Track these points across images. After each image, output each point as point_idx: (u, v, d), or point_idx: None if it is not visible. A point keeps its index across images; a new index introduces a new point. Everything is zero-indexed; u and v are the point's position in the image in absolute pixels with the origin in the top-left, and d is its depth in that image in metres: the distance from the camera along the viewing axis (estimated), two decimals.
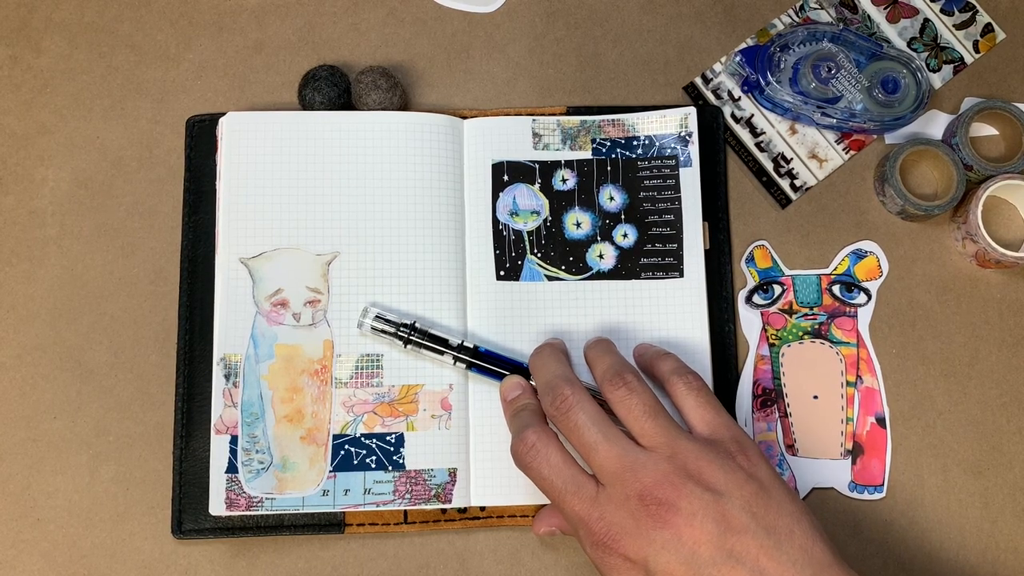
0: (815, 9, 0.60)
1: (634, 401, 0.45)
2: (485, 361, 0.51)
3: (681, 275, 0.55)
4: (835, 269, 0.56)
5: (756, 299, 0.56)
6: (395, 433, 0.52)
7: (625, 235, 0.55)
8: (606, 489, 0.43)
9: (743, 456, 0.44)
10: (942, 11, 0.60)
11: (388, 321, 0.51)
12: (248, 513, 0.51)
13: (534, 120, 0.57)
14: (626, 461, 0.43)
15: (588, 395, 0.46)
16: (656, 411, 0.45)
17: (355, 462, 0.51)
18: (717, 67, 0.59)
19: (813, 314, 0.56)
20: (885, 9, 0.60)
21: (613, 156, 0.56)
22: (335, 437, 0.52)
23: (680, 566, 0.41)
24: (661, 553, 0.41)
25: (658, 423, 0.44)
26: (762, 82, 0.57)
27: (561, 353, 0.51)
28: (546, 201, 0.56)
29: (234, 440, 0.51)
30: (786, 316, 0.56)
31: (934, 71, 0.59)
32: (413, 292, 0.53)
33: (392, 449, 0.52)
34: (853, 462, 0.54)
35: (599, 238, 0.55)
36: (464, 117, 0.57)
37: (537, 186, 0.56)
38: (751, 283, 0.56)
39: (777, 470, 0.47)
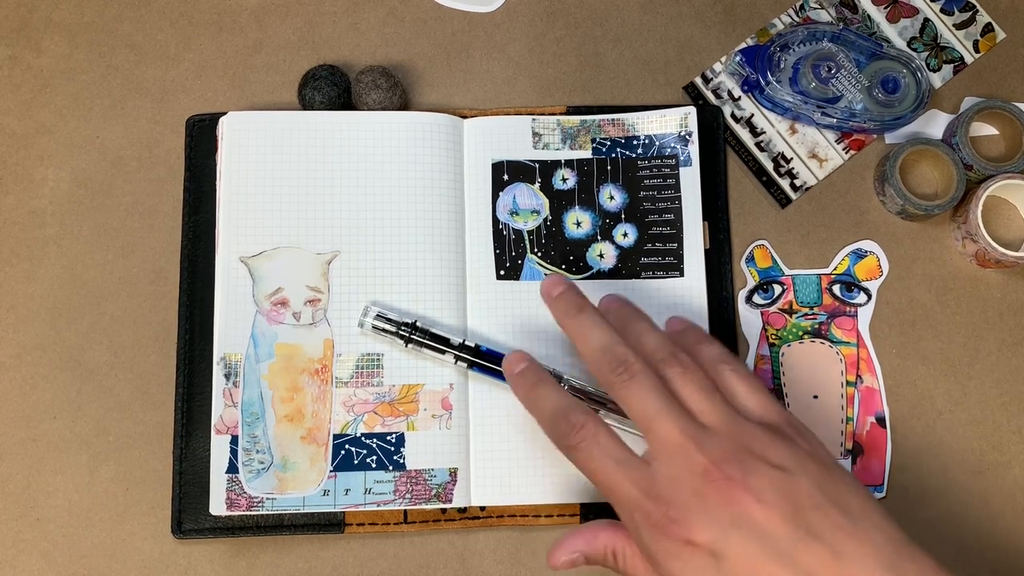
0: (815, 9, 0.60)
1: (690, 377, 0.43)
2: (487, 360, 0.51)
3: (681, 275, 0.55)
4: (835, 269, 0.56)
5: (756, 299, 0.56)
6: (395, 433, 0.52)
7: (625, 234, 0.55)
8: (664, 466, 0.40)
9: (802, 439, 0.42)
10: (942, 11, 0.60)
11: (389, 320, 0.51)
12: (248, 513, 0.51)
13: (534, 120, 0.57)
14: (689, 433, 0.40)
15: (651, 368, 0.43)
16: (714, 390, 0.43)
17: (356, 462, 0.51)
18: (717, 67, 0.59)
19: (813, 314, 0.56)
20: (885, 9, 0.60)
21: (613, 155, 0.56)
22: (335, 437, 0.52)
23: (754, 545, 0.38)
24: (732, 533, 0.38)
25: (716, 401, 0.42)
26: (762, 82, 0.57)
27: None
28: (546, 200, 0.56)
29: (234, 440, 0.51)
30: (786, 316, 0.56)
31: (934, 71, 0.59)
32: (413, 291, 0.53)
33: (392, 449, 0.52)
34: (853, 462, 0.54)
35: (599, 237, 0.55)
36: (464, 117, 0.57)
37: (537, 185, 0.56)
38: (751, 283, 0.56)
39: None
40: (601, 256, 0.55)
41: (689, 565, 0.38)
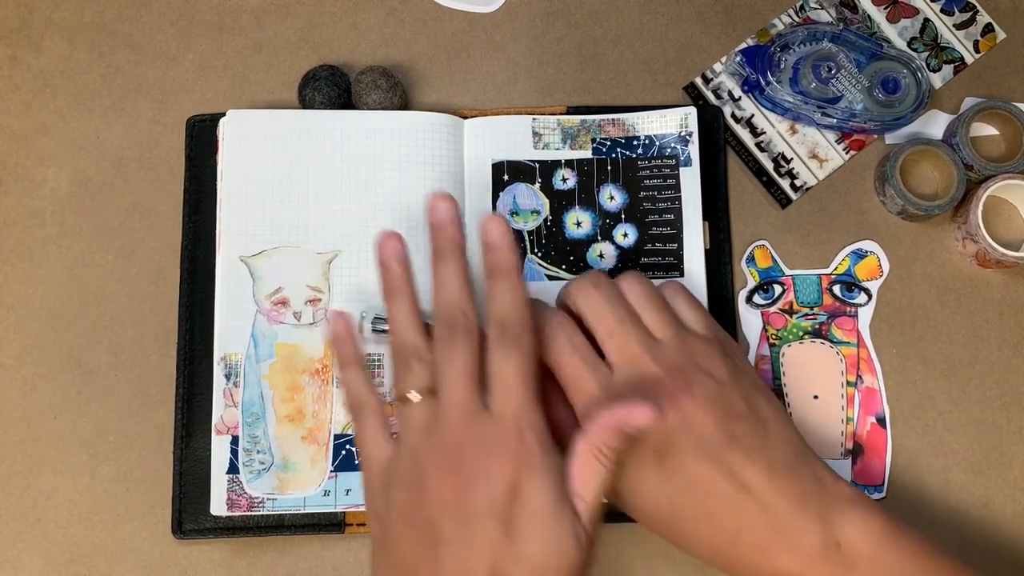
0: (815, 9, 0.60)
1: (642, 291, 0.47)
2: None
3: (681, 275, 0.55)
4: (835, 269, 0.56)
5: (756, 299, 0.56)
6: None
7: (625, 235, 0.55)
8: (621, 372, 0.45)
9: (734, 354, 0.48)
10: (942, 11, 0.60)
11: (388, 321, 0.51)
12: (249, 513, 0.51)
13: (534, 120, 0.57)
14: (644, 345, 0.45)
15: (615, 285, 0.48)
16: (664, 305, 0.47)
17: (357, 462, 0.51)
18: (717, 67, 0.59)
19: (813, 314, 0.56)
20: (885, 9, 0.60)
21: (613, 156, 0.56)
22: (336, 437, 0.52)
23: (691, 446, 0.43)
24: (674, 434, 0.43)
25: (665, 316, 0.47)
26: (762, 82, 0.57)
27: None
28: (546, 201, 0.56)
29: (235, 440, 0.51)
30: (786, 316, 0.56)
31: (934, 71, 0.59)
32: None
33: None
34: (853, 462, 0.54)
35: (599, 238, 0.55)
36: (464, 117, 0.57)
37: (537, 185, 0.56)
38: (751, 283, 0.56)
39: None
40: (601, 256, 0.55)
41: (634, 459, 0.44)
